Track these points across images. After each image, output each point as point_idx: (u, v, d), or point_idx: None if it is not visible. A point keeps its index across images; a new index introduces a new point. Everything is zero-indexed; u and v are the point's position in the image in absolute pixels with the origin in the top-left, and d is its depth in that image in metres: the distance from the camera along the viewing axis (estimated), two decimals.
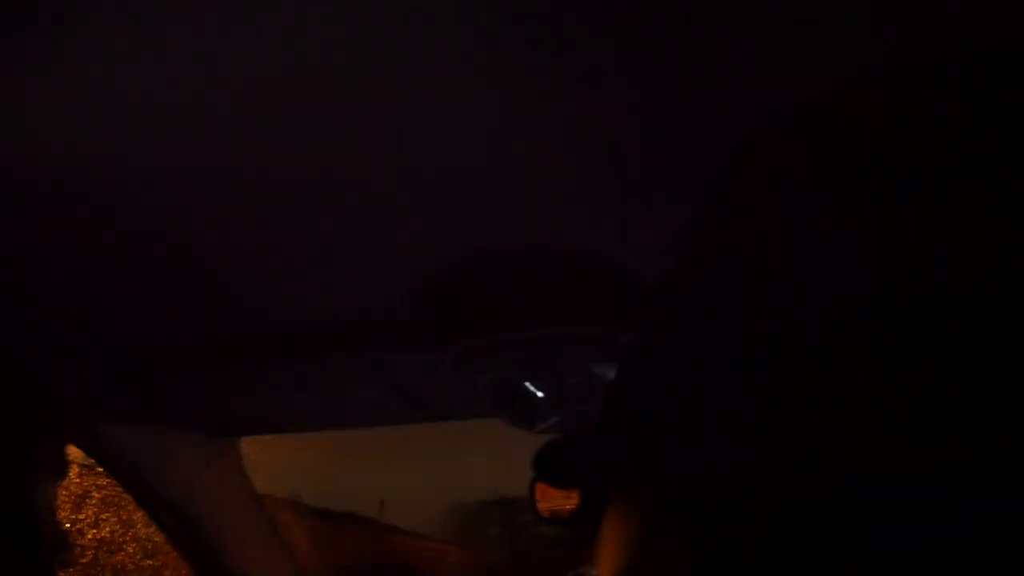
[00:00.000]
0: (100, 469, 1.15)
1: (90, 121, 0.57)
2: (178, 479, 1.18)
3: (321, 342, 0.90)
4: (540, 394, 0.87)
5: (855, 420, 0.21)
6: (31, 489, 0.72)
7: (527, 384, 0.86)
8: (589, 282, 0.77)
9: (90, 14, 0.48)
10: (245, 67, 0.51)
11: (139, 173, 0.63)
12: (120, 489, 1.21)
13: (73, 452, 1.09)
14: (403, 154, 0.60)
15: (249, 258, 0.76)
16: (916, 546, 0.20)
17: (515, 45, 0.49)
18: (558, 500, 1.08)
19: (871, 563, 0.20)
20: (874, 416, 0.21)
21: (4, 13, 0.48)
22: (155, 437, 1.15)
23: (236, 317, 0.89)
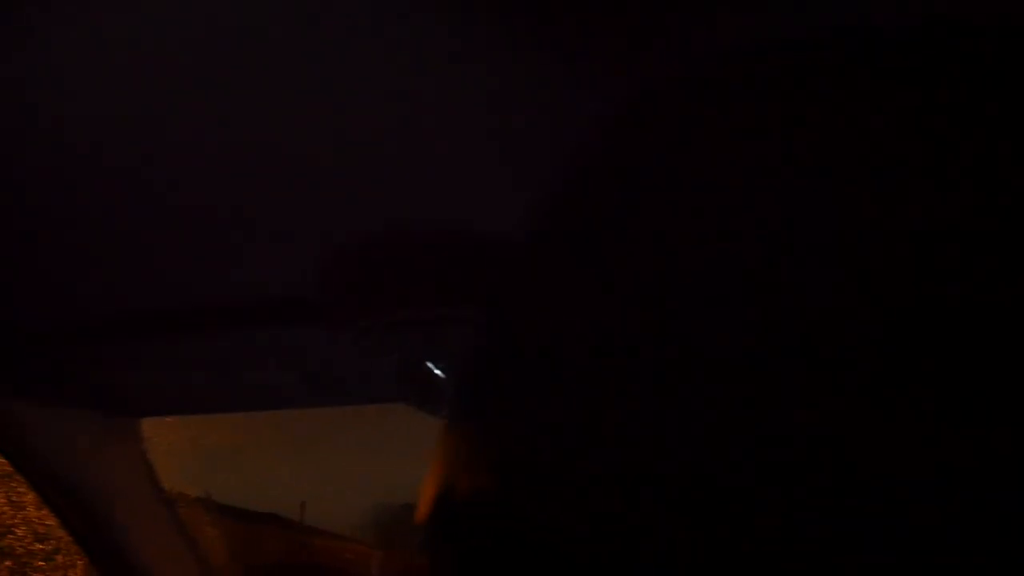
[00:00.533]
0: None
1: None
2: (72, 460, 1.14)
3: (224, 318, 0.88)
4: (443, 375, 0.87)
5: (860, 415, 0.21)
6: None
7: (430, 365, 0.86)
8: (493, 262, 0.77)
9: None
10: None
11: (35, 148, 0.61)
12: (10, 469, 1.16)
13: None
14: (315, 125, 0.59)
15: (149, 227, 0.75)
16: (912, 546, 0.20)
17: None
18: None
19: (867, 563, 0.20)
20: (877, 413, 0.21)
21: None
22: (48, 415, 1.11)
23: (135, 290, 0.87)
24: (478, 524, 0.25)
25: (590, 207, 0.28)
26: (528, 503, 0.24)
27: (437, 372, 0.86)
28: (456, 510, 0.25)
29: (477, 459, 0.25)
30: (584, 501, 0.23)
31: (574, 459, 0.24)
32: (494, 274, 0.70)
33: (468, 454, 0.26)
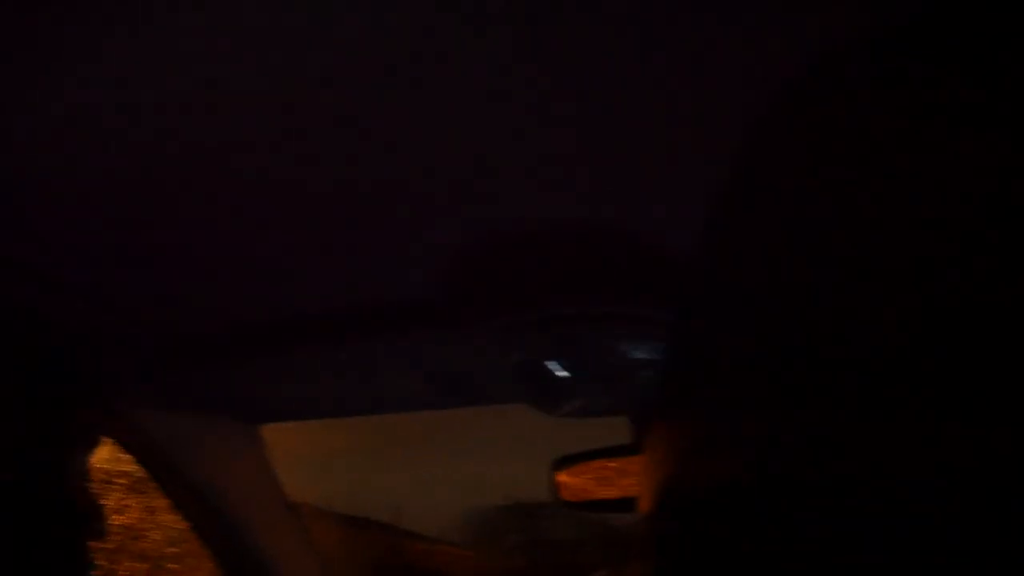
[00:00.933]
0: (125, 455, 1.16)
1: (114, 110, 0.58)
2: (203, 466, 1.18)
3: (348, 325, 0.91)
4: (565, 374, 0.87)
5: (860, 416, 0.21)
6: (67, 456, 0.73)
7: (551, 364, 0.87)
8: (616, 259, 0.77)
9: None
10: (244, 67, 0.53)
11: (166, 162, 0.64)
12: (144, 475, 1.22)
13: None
14: (423, 139, 0.60)
15: (277, 244, 0.77)
16: (913, 544, 0.20)
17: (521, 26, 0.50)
18: (580, 488, 1.08)
19: (869, 561, 0.20)
20: (877, 413, 0.21)
21: None
22: (181, 423, 1.16)
23: (264, 303, 0.89)
24: (712, 511, 0.25)
25: (754, 208, 0.28)
26: (754, 493, 0.24)
27: (560, 371, 0.86)
28: (687, 499, 0.25)
29: (702, 449, 0.25)
30: (806, 502, 0.23)
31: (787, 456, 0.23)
32: (646, 273, 0.71)
33: (691, 444, 0.26)
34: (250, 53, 0.53)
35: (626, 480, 1.00)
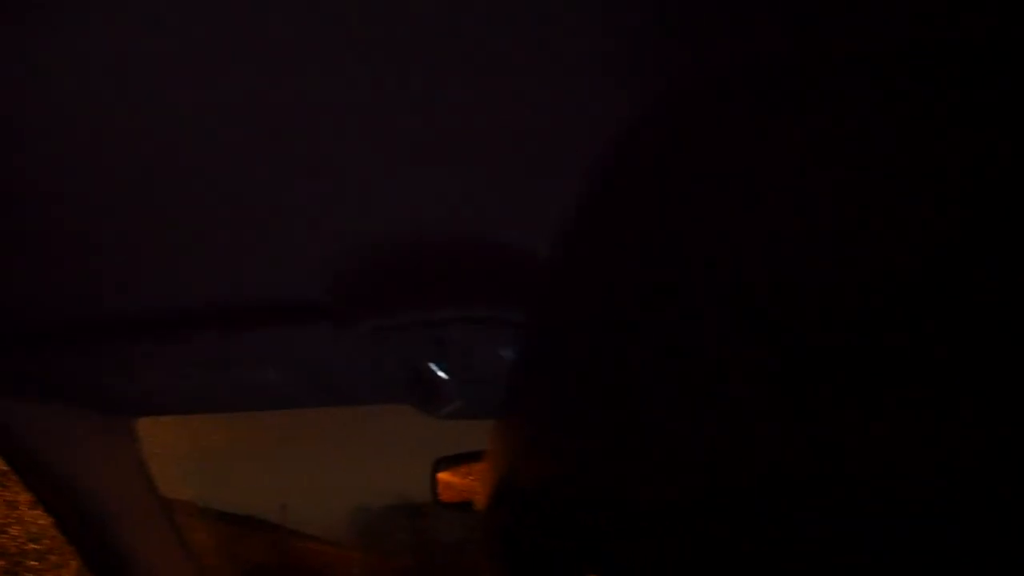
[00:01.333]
0: None
1: None
2: (69, 460, 1.14)
3: (224, 318, 0.89)
4: (445, 376, 0.88)
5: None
6: None
7: (432, 366, 0.87)
8: (497, 264, 0.78)
9: None
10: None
11: (24, 148, 0.61)
12: (5, 468, 1.16)
13: None
14: (300, 138, 0.60)
15: (150, 226, 0.75)
16: (912, 546, 0.20)
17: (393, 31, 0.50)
18: (461, 488, 1.08)
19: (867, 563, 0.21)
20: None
21: None
22: (46, 414, 1.11)
23: (135, 290, 0.87)
24: (540, 507, 0.26)
25: (613, 212, 0.29)
26: (582, 489, 0.25)
27: (440, 373, 0.87)
28: (520, 496, 0.26)
29: (532, 449, 0.26)
30: (627, 491, 0.24)
31: (613, 452, 0.25)
32: (527, 277, 0.71)
33: (525, 445, 0.27)
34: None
35: None
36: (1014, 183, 0.22)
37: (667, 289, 0.25)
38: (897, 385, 0.21)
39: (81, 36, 0.51)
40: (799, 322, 0.23)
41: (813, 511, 0.21)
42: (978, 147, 0.23)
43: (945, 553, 0.20)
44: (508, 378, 0.31)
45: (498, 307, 0.80)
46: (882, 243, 0.23)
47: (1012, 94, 0.23)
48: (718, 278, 0.24)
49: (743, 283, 0.23)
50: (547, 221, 0.69)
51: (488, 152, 0.61)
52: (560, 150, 0.61)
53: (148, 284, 0.85)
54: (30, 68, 0.54)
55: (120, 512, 1.21)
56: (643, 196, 0.28)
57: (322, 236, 0.74)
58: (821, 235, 0.23)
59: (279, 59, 0.53)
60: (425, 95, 0.55)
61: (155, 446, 1.26)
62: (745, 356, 0.24)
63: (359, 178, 0.65)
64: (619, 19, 0.48)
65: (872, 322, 0.22)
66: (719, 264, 0.24)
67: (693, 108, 0.29)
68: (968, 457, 0.20)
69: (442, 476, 1.07)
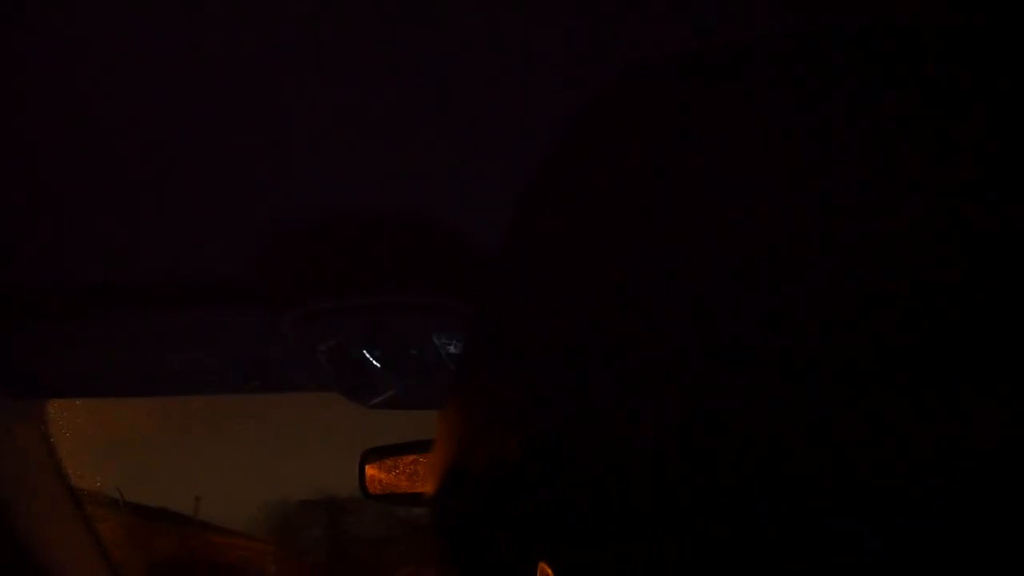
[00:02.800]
0: None
1: None
2: None
3: (149, 298, 0.85)
4: (378, 364, 0.86)
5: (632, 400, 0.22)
6: None
7: (364, 353, 0.85)
8: (436, 252, 0.76)
9: None
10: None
11: None
12: None
13: None
14: (259, 107, 0.58)
15: (72, 199, 0.72)
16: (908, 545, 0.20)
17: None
18: (387, 482, 1.07)
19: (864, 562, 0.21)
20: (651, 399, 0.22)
21: None
22: None
23: (54, 265, 0.83)
24: (493, 493, 0.25)
25: (556, 200, 0.29)
26: (530, 475, 0.24)
27: (372, 361, 0.85)
28: (472, 482, 0.26)
29: (486, 433, 0.26)
30: (579, 478, 0.23)
31: (565, 437, 0.24)
32: (466, 264, 0.71)
33: (478, 429, 0.26)
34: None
35: None
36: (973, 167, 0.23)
37: (631, 278, 0.25)
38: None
39: None
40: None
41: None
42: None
43: (939, 552, 0.20)
44: (459, 363, 0.31)
45: (436, 294, 0.78)
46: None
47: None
48: (683, 266, 0.24)
49: (708, 273, 0.23)
50: (487, 208, 0.69)
51: (425, 139, 0.61)
52: (501, 139, 0.60)
53: (67, 259, 0.82)
54: None
55: (21, 499, 1.15)
56: (595, 181, 0.27)
57: (256, 219, 0.72)
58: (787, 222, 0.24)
59: (217, 36, 0.51)
60: (371, 80, 0.54)
61: (65, 431, 1.20)
62: (711, 343, 0.24)
63: (295, 162, 0.64)
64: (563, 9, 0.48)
65: (863, 318, 0.22)
66: (684, 252, 0.24)
67: (636, 96, 0.29)
68: (961, 455, 0.20)
69: (369, 468, 1.05)
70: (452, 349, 0.83)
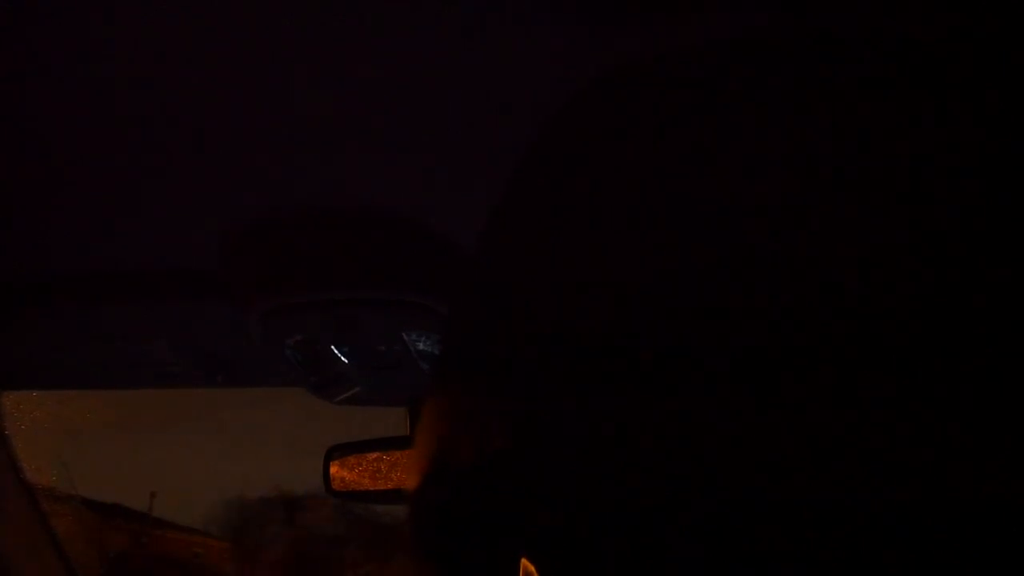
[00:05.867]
0: None
1: None
2: None
3: (112, 289, 0.84)
4: (345, 360, 0.85)
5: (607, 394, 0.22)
6: None
7: (331, 348, 0.84)
8: (407, 248, 0.76)
9: None
10: None
11: None
12: None
13: None
14: (234, 103, 0.58)
15: (31, 190, 0.71)
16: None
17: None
18: (351, 480, 1.06)
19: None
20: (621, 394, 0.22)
21: None
22: None
23: (11, 255, 0.81)
24: (476, 486, 0.25)
25: (529, 205, 0.30)
26: (518, 474, 0.24)
27: (341, 357, 0.85)
28: (455, 476, 0.26)
29: (470, 426, 0.26)
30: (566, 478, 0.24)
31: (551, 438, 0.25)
32: (437, 262, 0.71)
33: (462, 421, 0.26)
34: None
35: (398, 474, 0.99)
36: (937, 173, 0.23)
37: (603, 280, 0.25)
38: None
39: None
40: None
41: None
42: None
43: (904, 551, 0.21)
44: (440, 356, 0.31)
45: (406, 291, 0.78)
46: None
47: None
48: (658, 270, 0.24)
49: (683, 275, 0.23)
50: (458, 206, 0.69)
51: (397, 138, 0.61)
52: (476, 142, 0.60)
53: (27, 250, 0.80)
54: None
55: None
56: (570, 183, 0.28)
57: (223, 211, 0.72)
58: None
59: (188, 33, 0.51)
60: (345, 79, 0.54)
61: (20, 424, 1.18)
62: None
63: (264, 155, 0.64)
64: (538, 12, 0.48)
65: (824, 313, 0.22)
66: (658, 256, 0.24)
67: (608, 102, 0.30)
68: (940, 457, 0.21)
69: (334, 465, 1.04)
70: (422, 346, 0.83)
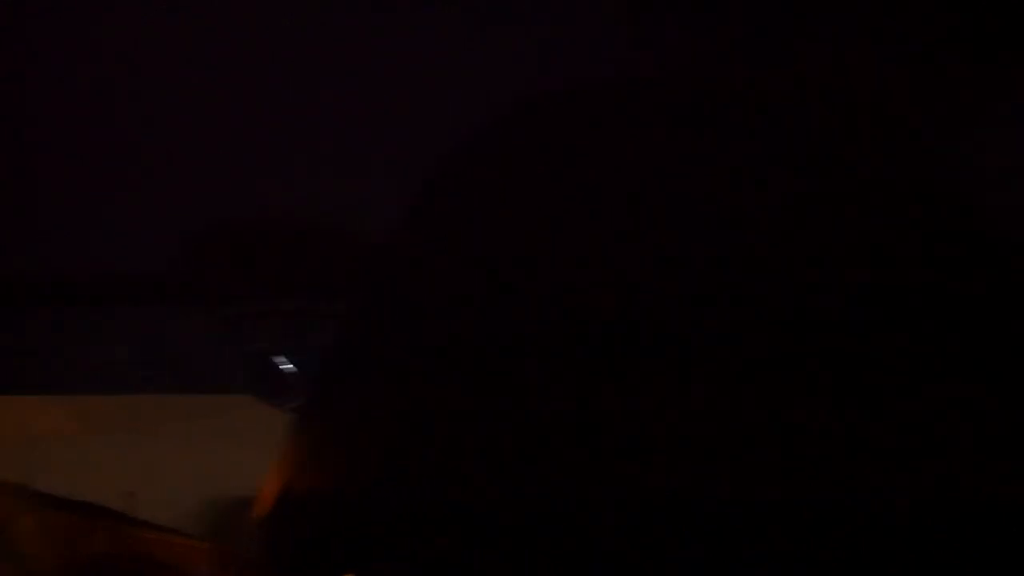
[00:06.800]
0: None
1: None
2: None
3: (73, 293, 0.86)
4: (291, 368, 0.88)
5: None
6: None
7: (278, 357, 0.87)
8: (356, 259, 0.79)
9: None
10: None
11: None
12: None
13: None
14: (194, 108, 0.59)
15: None
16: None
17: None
18: None
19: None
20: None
21: None
22: None
23: None
24: (322, 514, 0.27)
25: (439, 216, 0.31)
26: (374, 494, 0.26)
27: (287, 365, 0.87)
28: (300, 502, 0.27)
29: (325, 453, 0.27)
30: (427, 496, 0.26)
31: (418, 452, 0.26)
32: (354, 273, 0.72)
33: (316, 449, 0.28)
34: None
35: None
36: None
37: (477, 294, 0.27)
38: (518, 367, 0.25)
39: None
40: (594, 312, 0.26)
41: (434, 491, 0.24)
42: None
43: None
44: (312, 382, 0.33)
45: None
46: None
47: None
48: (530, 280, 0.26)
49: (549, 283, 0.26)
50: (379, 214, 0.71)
51: (348, 150, 0.62)
52: (414, 153, 0.63)
53: None
54: None
55: None
56: (471, 200, 0.30)
57: (179, 218, 0.73)
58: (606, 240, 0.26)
59: (146, 37, 0.52)
60: (292, 88, 0.56)
61: None
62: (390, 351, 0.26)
63: (220, 162, 0.65)
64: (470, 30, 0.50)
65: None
66: (532, 265, 0.27)
67: (521, 121, 0.32)
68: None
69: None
70: None
